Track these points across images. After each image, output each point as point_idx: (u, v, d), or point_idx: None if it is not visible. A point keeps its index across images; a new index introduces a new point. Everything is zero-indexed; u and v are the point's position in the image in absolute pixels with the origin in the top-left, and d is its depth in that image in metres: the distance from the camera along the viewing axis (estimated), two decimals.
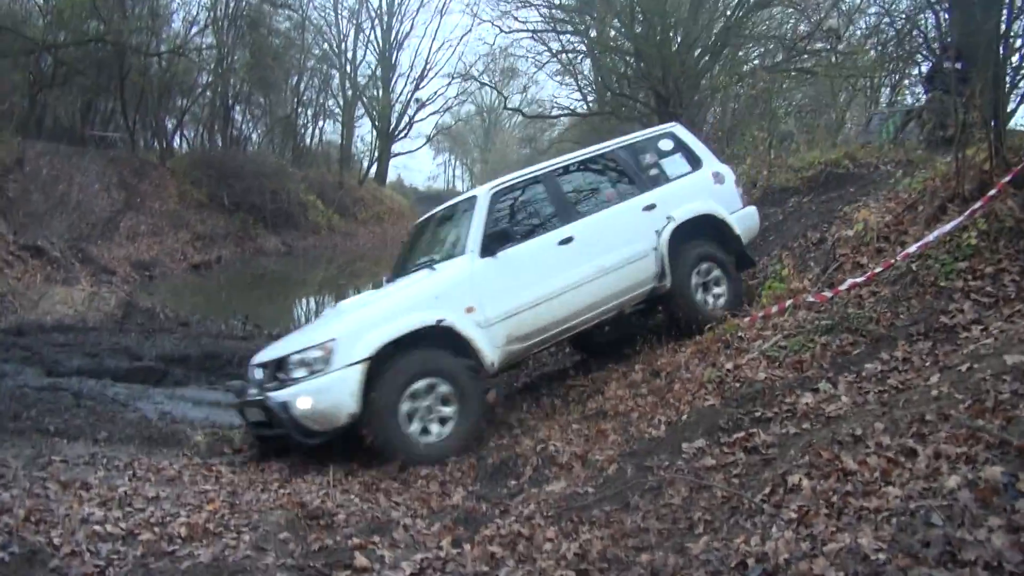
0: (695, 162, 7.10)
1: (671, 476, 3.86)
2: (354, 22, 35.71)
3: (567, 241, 6.17)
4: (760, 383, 4.60)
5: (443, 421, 5.42)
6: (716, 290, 6.80)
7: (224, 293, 17.62)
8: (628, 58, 18.81)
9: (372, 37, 37.41)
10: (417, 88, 37.52)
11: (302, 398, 5.08)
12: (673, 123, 7.63)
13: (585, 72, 24.08)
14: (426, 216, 7.30)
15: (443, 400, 5.41)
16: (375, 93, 37.47)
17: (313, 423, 5.14)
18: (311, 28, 29.53)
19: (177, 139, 27.85)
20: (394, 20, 37.30)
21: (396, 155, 40.49)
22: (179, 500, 4.53)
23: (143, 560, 3.68)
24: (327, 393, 5.10)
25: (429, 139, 44.16)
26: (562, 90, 46.63)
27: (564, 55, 21.67)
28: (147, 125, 25.59)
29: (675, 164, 7.04)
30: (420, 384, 5.29)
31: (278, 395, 5.19)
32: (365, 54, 38.32)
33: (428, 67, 37.64)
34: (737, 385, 4.75)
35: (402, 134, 38.84)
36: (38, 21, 22.22)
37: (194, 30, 25.40)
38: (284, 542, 3.86)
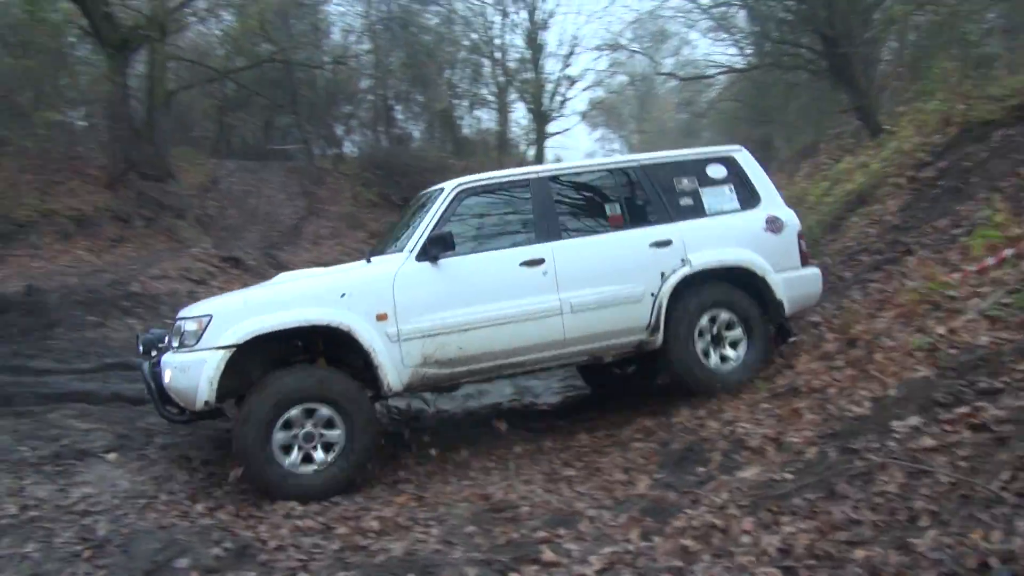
0: (749, 199, 5.75)
1: (882, 460, 3.44)
2: (499, 8, 35.98)
3: (535, 263, 5.16)
4: (983, 349, 4.02)
5: (328, 447, 4.67)
6: (730, 351, 5.55)
7: None
8: (787, 1, 17.49)
9: (518, 20, 37.56)
10: (567, 65, 37.20)
11: (168, 370, 4.66)
12: (738, 147, 6.00)
13: (740, 24, 22.72)
14: (421, 193, 6.12)
15: (326, 423, 4.68)
16: (526, 76, 37.63)
17: (176, 399, 4.72)
18: (459, 20, 29.99)
19: (347, 144, 29.41)
20: (538, 0, 37.21)
21: (551, 135, 40.52)
22: (370, 493, 4.69)
23: (340, 554, 3.81)
24: (185, 372, 4.56)
25: (583, 115, 43.71)
26: (717, 47, 44.39)
27: (716, 9, 20.54)
28: (319, 134, 27.20)
29: (720, 197, 5.73)
30: (295, 412, 4.59)
31: (157, 360, 4.85)
32: (513, 38, 38.54)
33: (576, 43, 37.20)
34: (953, 352, 4.19)
35: (556, 114, 38.77)
36: (219, 51, 24.23)
37: (351, 38, 26.65)
38: (470, 536, 3.86)
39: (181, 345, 4.66)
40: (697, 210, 5.65)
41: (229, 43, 23.72)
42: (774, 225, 5.69)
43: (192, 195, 17.76)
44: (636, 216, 5.59)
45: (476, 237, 5.35)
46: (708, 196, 5.71)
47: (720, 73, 23.38)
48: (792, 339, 5.73)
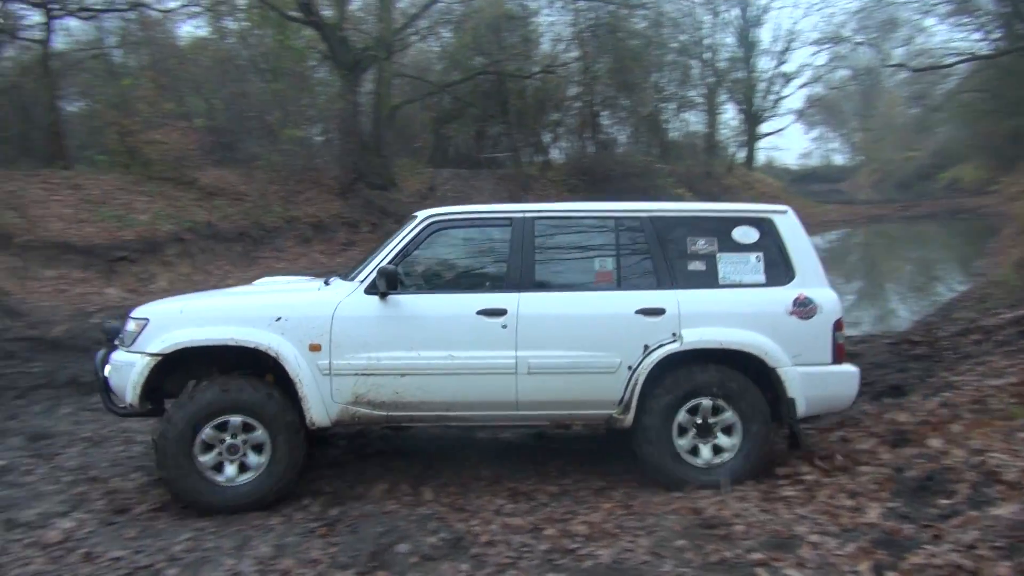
0: (780, 273, 4.82)
1: None
2: (710, 7, 34.99)
3: (495, 313, 4.62)
4: None
5: (243, 467, 4.51)
6: (723, 440, 4.71)
7: None
8: None
9: (729, 18, 36.31)
10: (781, 62, 35.45)
11: (108, 365, 4.71)
12: (784, 208, 5.05)
13: (986, 5, 20.31)
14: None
15: (255, 447, 4.51)
16: (737, 75, 36.26)
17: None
18: (667, 23, 29.55)
19: (554, 150, 30.01)
20: None
21: (763, 136, 38.69)
22: (577, 496, 4.69)
23: (549, 555, 3.84)
24: (118, 371, 4.57)
25: (799, 114, 41.39)
26: (957, 33, 40.02)
27: None
28: (528, 141, 28.00)
29: (741, 266, 4.84)
30: (208, 430, 4.44)
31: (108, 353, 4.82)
32: (723, 37, 37.30)
33: (792, 37, 35.29)
34: None
35: (769, 113, 37.01)
36: (437, 67, 25.75)
37: (560, 47, 27.15)
38: (680, 550, 3.74)
39: (122, 343, 4.70)
40: (707, 278, 4.80)
41: (446, 58, 25.14)
42: (803, 309, 4.72)
43: (412, 202, 18.96)
44: (629, 276, 4.84)
45: (437, 275, 4.96)
46: (726, 263, 4.83)
47: (961, 61, 21.12)
48: (799, 451, 4.90)
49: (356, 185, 19.07)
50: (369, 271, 4.71)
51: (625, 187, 24.75)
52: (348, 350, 4.57)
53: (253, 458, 4.52)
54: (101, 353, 4.88)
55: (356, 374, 4.57)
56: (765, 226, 4.90)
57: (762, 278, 4.82)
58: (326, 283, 4.99)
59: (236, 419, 4.46)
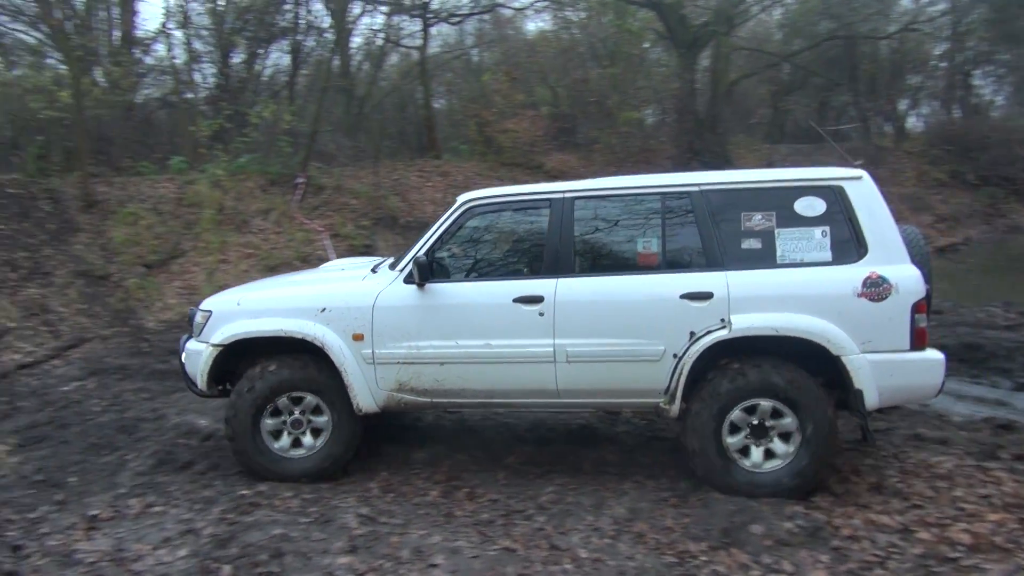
0: (851, 250, 4.27)
1: None
2: None
3: (531, 300, 4.46)
4: None
5: (316, 432, 4.88)
6: (777, 445, 4.28)
7: (976, 277, 16.08)
8: None
9: None
10: None
11: (183, 353, 5.12)
12: (859, 173, 4.41)
13: None
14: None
15: (314, 409, 4.85)
16: None
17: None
18: None
19: (912, 118, 26.82)
20: None
21: None
22: (955, 503, 4.20)
23: (923, 560, 3.52)
24: (191, 359, 4.99)
25: None
26: None
27: None
28: (879, 110, 25.36)
29: (804, 242, 4.31)
30: (283, 400, 4.81)
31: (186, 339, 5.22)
32: None
33: None
34: None
35: None
36: (776, 36, 24.41)
37: (923, 1, 24.01)
38: None
39: (195, 333, 5.04)
40: (763, 257, 4.33)
41: (787, 27, 23.70)
42: (875, 289, 4.16)
43: None
44: (675, 256, 4.47)
45: (476, 261, 4.84)
46: (785, 239, 4.33)
47: None
48: (869, 443, 4.57)
49: (691, 164, 18.94)
50: (408, 260, 4.72)
51: (1003, 156, 21.27)
52: (389, 339, 4.66)
53: (308, 439, 4.87)
54: (184, 339, 5.27)
55: (398, 363, 4.66)
56: (834, 195, 4.35)
57: (828, 255, 4.30)
58: (373, 271, 5.05)
59: (306, 396, 4.80)
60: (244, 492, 4.55)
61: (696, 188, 4.52)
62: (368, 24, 20.12)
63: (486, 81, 19.41)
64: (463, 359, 4.57)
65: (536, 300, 4.47)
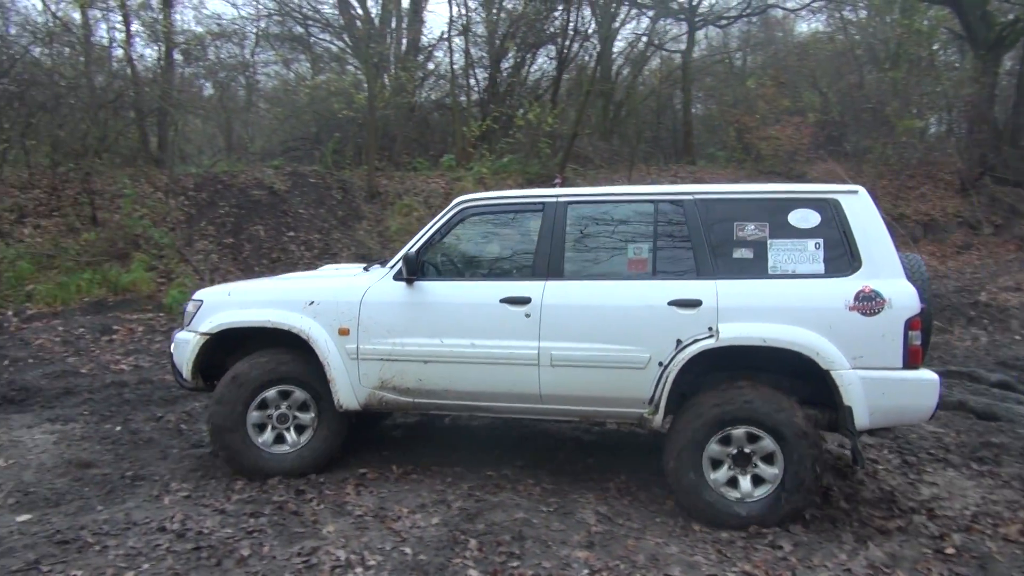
0: (844, 263, 4.19)
1: None
2: None
3: (518, 301, 4.44)
4: None
5: (300, 429, 4.88)
6: (763, 469, 4.14)
7: None
8: None
9: None
10: None
11: (172, 343, 5.10)
12: (855, 188, 4.35)
13: None
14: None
15: (301, 406, 4.88)
16: None
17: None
18: None
19: None
20: None
21: None
22: None
23: None
24: (178, 349, 4.97)
25: None
26: None
27: None
28: None
29: (797, 254, 4.24)
30: (271, 392, 4.82)
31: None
32: None
33: None
34: None
35: None
36: None
37: None
38: None
39: (185, 322, 5.07)
40: (754, 267, 4.29)
41: None
42: (867, 303, 4.06)
43: None
44: (666, 264, 4.45)
45: (466, 262, 4.88)
46: (778, 250, 4.30)
47: None
48: (858, 465, 4.27)
49: (981, 180, 16.79)
50: (396, 258, 4.78)
51: None
52: (375, 335, 4.66)
53: (292, 435, 4.86)
54: (175, 331, 5.27)
55: (382, 359, 4.65)
56: (829, 209, 4.33)
57: (820, 268, 4.26)
58: (365, 269, 5.12)
59: (297, 391, 4.81)
60: (490, 472, 4.83)
61: (690, 197, 4.50)
62: (632, 28, 20.23)
63: (750, 86, 18.68)
64: (447, 358, 4.56)
65: (523, 301, 4.46)
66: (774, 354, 4.15)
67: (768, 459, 4.15)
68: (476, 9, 17.22)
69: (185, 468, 5.02)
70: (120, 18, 14.25)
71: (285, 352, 4.82)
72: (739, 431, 4.15)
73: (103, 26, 14.76)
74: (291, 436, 4.84)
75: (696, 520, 4.19)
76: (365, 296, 4.72)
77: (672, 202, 4.52)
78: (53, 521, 4.16)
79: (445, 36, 17.11)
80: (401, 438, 5.61)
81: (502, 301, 4.49)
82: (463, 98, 17.36)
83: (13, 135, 12.03)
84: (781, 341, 4.10)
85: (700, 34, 20.91)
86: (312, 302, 4.77)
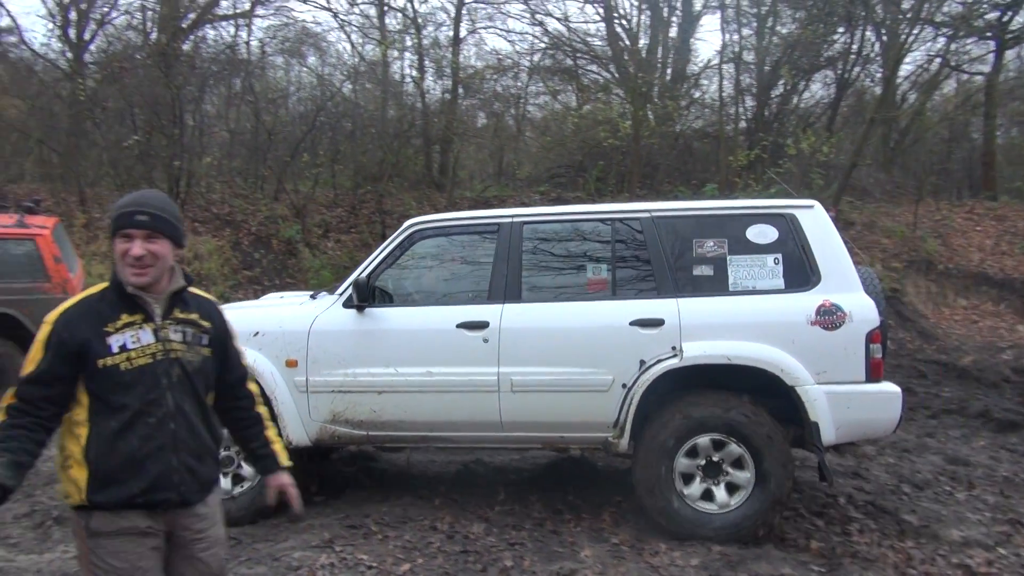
0: (803, 277, 4.17)
1: None
2: None
3: (476, 326, 4.25)
4: None
5: (238, 479, 4.47)
6: (735, 476, 4.08)
7: None
8: None
9: None
10: None
11: None
12: (810, 203, 4.37)
13: None
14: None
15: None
16: None
17: None
18: None
19: None
20: None
21: None
22: None
23: None
24: None
25: None
26: None
27: None
28: None
29: (756, 269, 4.22)
30: None
31: None
32: None
33: None
34: None
35: None
36: None
37: None
38: None
39: None
40: (715, 284, 4.23)
41: None
42: (829, 317, 4.04)
43: None
44: (626, 283, 4.37)
45: (420, 287, 4.71)
46: (738, 267, 4.23)
47: None
48: (826, 482, 4.22)
49: None
50: (346, 284, 4.51)
51: None
52: (324, 366, 4.40)
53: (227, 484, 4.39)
54: None
55: (333, 391, 4.39)
56: (786, 223, 4.29)
57: (780, 283, 4.22)
58: (312, 297, 4.85)
59: None
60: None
61: (647, 215, 4.41)
62: (925, 50, 18.40)
63: None
64: (402, 387, 4.33)
65: (481, 326, 4.28)
66: (739, 372, 4.09)
67: (738, 464, 4.09)
68: (749, 37, 16.75)
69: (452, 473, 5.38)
70: (414, 57, 15.88)
71: None
72: (704, 440, 4.08)
73: (397, 64, 16.55)
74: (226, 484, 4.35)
75: (676, 536, 4.07)
76: (313, 325, 4.46)
77: (629, 220, 4.46)
78: (342, 507, 4.67)
79: (713, 64, 16.84)
80: None
81: (459, 326, 4.31)
82: (729, 126, 16.94)
83: (325, 161, 13.86)
84: (746, 358, 4.06)
85: (1011, 53, 18.47)
86: (257, 333, 4.46)
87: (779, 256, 4.26)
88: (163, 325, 2.15)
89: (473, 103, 18.13)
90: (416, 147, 15.66)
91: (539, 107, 20.54)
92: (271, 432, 2.41)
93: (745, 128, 16.78)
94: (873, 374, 4.08)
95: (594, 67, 18.85)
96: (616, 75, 17.68)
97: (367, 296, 4.40)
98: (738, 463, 4.10)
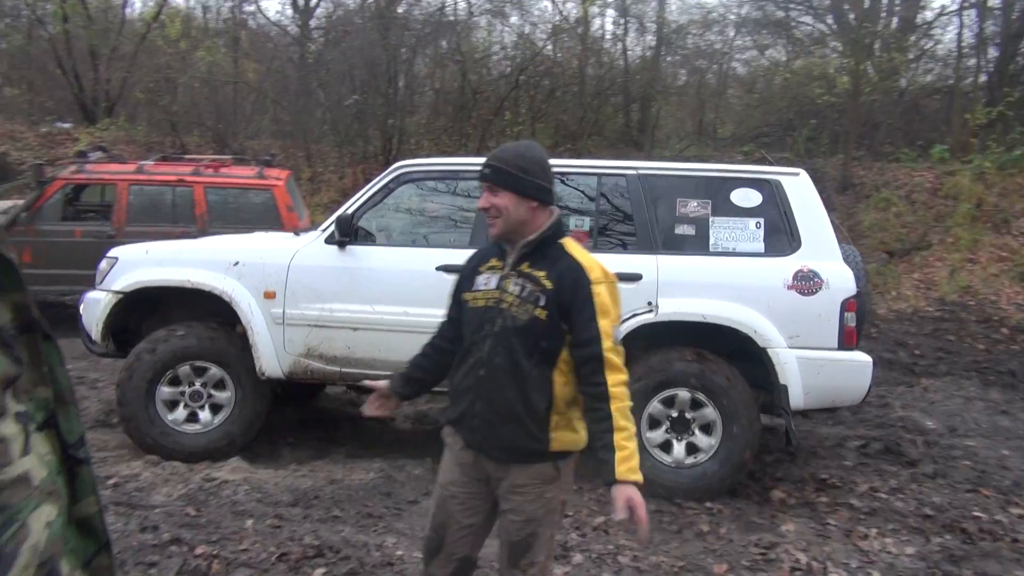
0: (783, 243, 4.26)
1: None
2: None
3: (456, 271, 3.75)
4: None
5: (215, 408, 4.54)
6: (700, 439, 4.18)
7: None
8: None
9: None
10: None
11: (81, 304, 4.73)
12: (796, 171, 4.42)
13: None
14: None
15: (217, 384, 4.54)
16: None
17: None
18: None
19: None
20: None
21: None
22: None
23: None
24: (87, 308, 4.60)
25: None
26: None
27: None
28: None
29: (737, 232, 4.31)
30: (185, 368, 4.48)
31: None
32: None
33: None
34: None
35: None
36: None
37: None
38: None
39: (97, 280, 4.68)
40: (695, 243, 4.30)
41: None
42: (806, 283, 4.11)
43: None
44: (607, 238, 4.45)
45: (402, 228, 4.74)
46: (719, 228, 4.31)
47: None
48: (792, 445, 4.31)
49: None
50: (329, 221, 4.54)
51: None
52: (302, 299, 4.43)
53: (206, 415, 4.55)
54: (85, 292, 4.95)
55: (309, 325, 4.42)
56: (770, 189, 4.34)
57: (760, 247, 4.29)
58: (295, 234, 4.89)
59: (213, 368, 4.51)
60: (979, 515, 4.19)
61: (634, 171, 4.46)
62: None
63: None
64: (378, 326, 4.35)
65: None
66: (712, 331, 4.15)
67: (706, 429, 4.15)
68: None
69: None
70: (615, 13, 15.60)
71: (205, 326, 4.52)
72: (685, 394, 4.14)
73: (598, 21, 16.35)
74: (204, 415, 4.54)
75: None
76: (294, 259, 4.47)
77: (616, 175, 4.48)
78: None
79: (950, 10, 15.05)
80: (871, 452, 5.17)
81: (438, 269, 4.26)
82: (967, 80, 15.16)
83: (526, 119, 14.08)
84: (720, 318, 4.12)
85: None
86: (237, 263, 4.50)
87: (761, 220, 4.31)
88: (508, 275, 2.15)
89: (675, 60, 17.59)
90: (615, 105, 15.46)
91: (744, 63, 19.54)
92: (619, 438, 2.04)
93: (986, 83, 14.94)
94: (846, 341, 4.11)
95: (808, 18, 17.57)
96: (834, 26, 16.36)
97: (349, 233, 4.41)
98: (697, 407, 4.17)
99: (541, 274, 2.12)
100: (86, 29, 15.36)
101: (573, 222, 4.55)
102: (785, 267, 4.18)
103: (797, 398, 4.08)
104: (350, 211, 4.51)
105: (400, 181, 4.62)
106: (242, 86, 15.38)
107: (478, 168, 5.10)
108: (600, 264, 2.17)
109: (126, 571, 3.13)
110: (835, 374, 4.13)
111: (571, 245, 2.18)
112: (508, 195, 2.13)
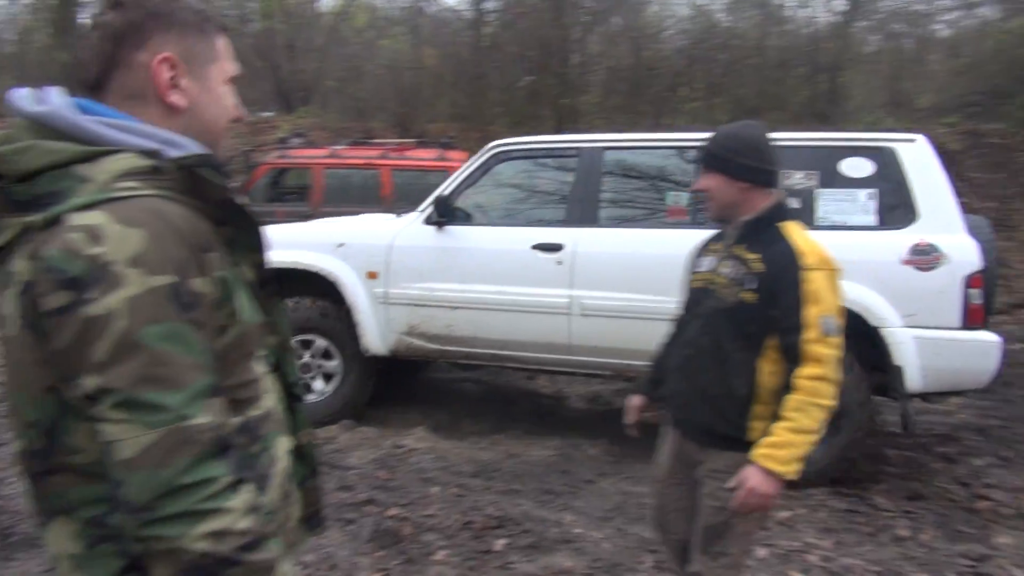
0: (900, 215, 3.93)
1: None
2: None
3: (551, 248, 4.30)
4: None
5: (328, 377, 4.79)
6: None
7: None
8: None
9: None
10: None
11: None
12: (912, 137, 4.05)
13: None
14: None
15: (324, 354, 4.77)
16: None
17: None
18: None
19: None
20: None
21: None
22: None
23: None
24: None
25: None
26: None
27: None
28: None
29: (848, 204, 4.02)
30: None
31: None
32: None
33: None
34: None
35: None
36: None
37: None
38: None
39: None
40: (800, 218, 3.31)
41: None
42: (924, 257, 3.81)
43: None
44: (701, 211, 4.10)
45: (499, 207, 4.71)
46: (827, 201, 4.04)
47: None
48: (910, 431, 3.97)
49: None
50: (426, 202, 4.62)
51: None
52: (403, 279, 4.55)
53: (319, 384, 4.78)
54: None
55: (410, 304, 4.54)
56: (884, 158, 4.02)
57: (872, 219, 4.01)
58: (398, 215, 4.94)
59: (318, 340, 4.72)
60: None
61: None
62: None
63: None
64: (476, 304, 4.43)
65: (555, 248, 4.32)
66: None
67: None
68: None
69: None
70: None
71: (310, 301, 4.70)
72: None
73: None
74: (318, 384, 4.78)
75: None
76: (395, 240, 4.62)
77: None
78: None
79: None
80: None
81: (533, 247, 4.35)
82: None
83: (703, 95, 13.63)
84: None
85: None
86: (341, 244, 4.69)
87: (874, 191, 4.03)
88: (724, 257, 2.14)
89: (868, 25, 16.27)
90: (799, 76, 14.57)
91: (948, 24, 17.72)
92: (780, 426, 1.95)
93: None
94: (970, 320, 3.80)
95: None
96: None
97: (447, 213, 4.51)
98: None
99: (753, 256, 2.07)
100: (285, 24, 16.59)
101: (670, 197, 4.46)
102: (900, 241, 3.92)
103: (914, 380, 3.83)
104: (447, 192, 4.60)
105: (496, 160, 4.68)
106: (422, 71, 16.02)
107: (571, 146, 4.60)
108: (821, 250, 2.04)
109: (327, 526, 3.39)
110: (956, 355, 3.83)
111: (791, 229, 2.09)
112: (715, 176, 2.11)
